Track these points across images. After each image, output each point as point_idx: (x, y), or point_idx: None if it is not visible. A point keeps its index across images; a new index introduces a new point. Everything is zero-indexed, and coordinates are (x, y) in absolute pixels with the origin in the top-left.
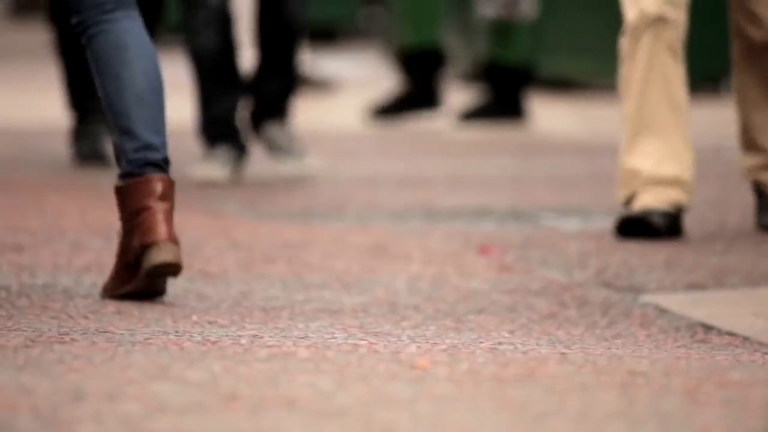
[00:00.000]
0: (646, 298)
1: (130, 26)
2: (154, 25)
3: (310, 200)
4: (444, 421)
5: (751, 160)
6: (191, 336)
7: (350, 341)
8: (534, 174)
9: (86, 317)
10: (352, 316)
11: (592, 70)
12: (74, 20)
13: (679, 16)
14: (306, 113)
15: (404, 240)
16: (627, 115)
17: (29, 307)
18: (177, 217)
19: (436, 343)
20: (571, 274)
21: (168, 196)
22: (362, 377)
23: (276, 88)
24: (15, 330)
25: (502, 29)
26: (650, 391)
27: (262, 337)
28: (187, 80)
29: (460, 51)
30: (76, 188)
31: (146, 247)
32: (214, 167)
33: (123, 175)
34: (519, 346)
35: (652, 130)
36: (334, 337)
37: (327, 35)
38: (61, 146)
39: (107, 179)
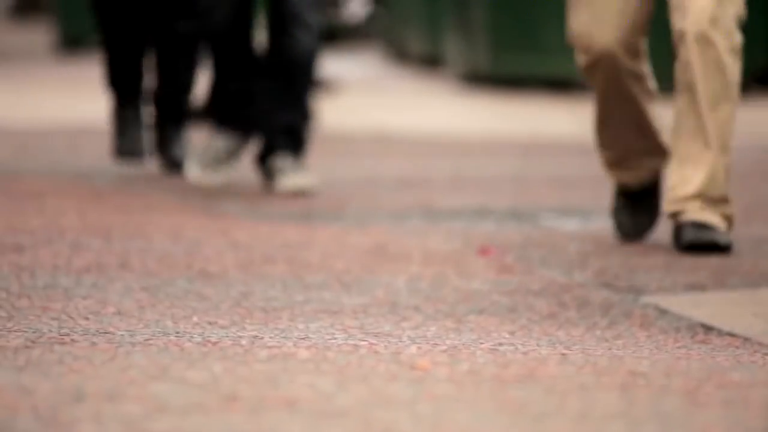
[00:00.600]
0: (647, 298)
1: None
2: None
3: (310, 200)
4: (444, 421)
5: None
6: (191, 337)
7: (350, 342)
8: (534, 174)
9: (86, 318)
10: (353, 316)
11: None
12: None
13: (637, 40)
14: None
15: (404, 240)
16: (598, 143)
17: (29, 308)
18: (177, 217)
19: (436, 344)
20: (572, 274)
21: None
22: (362, 378)
23: (283, 122)
24: (15, 331)
25: (330, 29)
26: (650, 391)
27: (262, 338)
28: None
29: (458, 55)
30: (76, 189)
31: None
32: (208, 172)
33: None
34: (519, 346)
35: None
36: (335, 338)
37: (328, 36)
38: (61, 146)
39: (107, 179)
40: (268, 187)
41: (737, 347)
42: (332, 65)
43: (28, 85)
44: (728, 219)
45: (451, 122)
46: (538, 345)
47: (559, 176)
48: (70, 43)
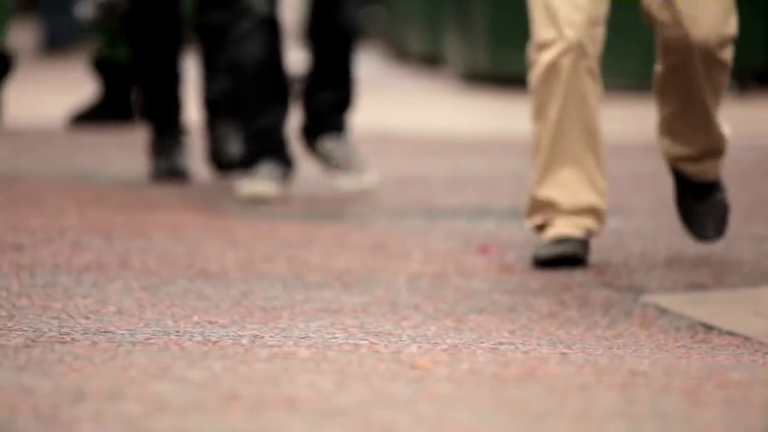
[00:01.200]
0: (647, 298)
1: None
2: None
3: (310, 200)
4: (445, 421)
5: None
6: (192, 336)
7: (351, 341)
8: None
9: (87, 317)
10: (353, 315)
11: None
12: None
13: (598, 35)
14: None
15: (404, 239)
16: (540, 143)
17: (30, 307)
18: (177, 217)
19: (436, 343)
20: (572, 273)
21: None
22: (363, 377)
23: (331, 100)
24: (16, 330)
25: (108, 30)
26: (651, 390)
27: (262, 337)
28: (193, 76)
29: (458, 54)
30: (76, 188)
31: None
32: (262, 183)
33: None
34: (519, 345)
35: (567, 158)
36: (335, 337)
37: None
38: (61, 146)
39: (107, 179)
40: (326, 172)
41: (738, 346)
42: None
43: (28, 85)
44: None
45: (451, 121)
46: (538, 344)
47: None
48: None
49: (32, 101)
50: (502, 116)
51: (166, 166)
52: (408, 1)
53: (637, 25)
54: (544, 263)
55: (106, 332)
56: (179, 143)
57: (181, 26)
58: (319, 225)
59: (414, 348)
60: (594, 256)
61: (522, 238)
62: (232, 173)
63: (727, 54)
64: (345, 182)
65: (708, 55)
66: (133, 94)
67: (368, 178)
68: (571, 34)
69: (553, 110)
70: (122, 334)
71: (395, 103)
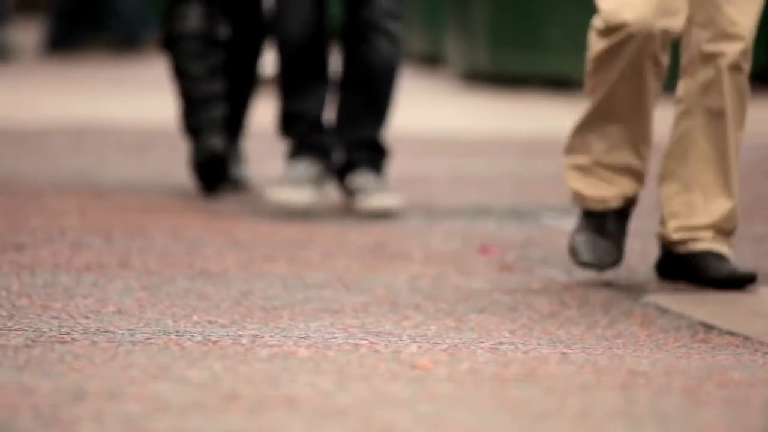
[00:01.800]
0: (647, 297)
1: None
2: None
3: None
4: (444, 420)
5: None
6: (192, 336)
7: (351, 341)
8: (534, 173)
9: (87, 317)
10: (353, 315)
11: None
12: None
13: (670, 25)
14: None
15: (405, 239)
16: (591, 108)
17: (30, 307)
18: (177, 217)
19: (436, 343)
20: (572, 273)
21: None
22: (363, 377)
23: (368, 136)
24: (16, 330)
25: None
26: (651, 390)
27: (262, 337)
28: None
29: (458, 54)
30: (77, 188)
31: None
32: (296, 190)
33: None
34: (520, 345)
35: (616, 117)
36: (335, 337)
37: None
38: (62, 146)
39: (108, 179)
40: (349, 206)
41: (737, 346)
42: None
43: (28, 84)
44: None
45: (451, 121)
46: (538, 344)
47: (560, 175)
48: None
49: (32, 101)
50: (502, 116)
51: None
52: (408, 1)
53: None
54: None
55: (106, 332)
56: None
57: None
58: (319, 225)
59: (414, 348)
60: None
61: (522, 238)
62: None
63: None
64: (367, 202)
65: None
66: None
67: (392, 200)
68: (638, 19)
69: (610, 78)
70: (122, 333)
71: (395, 103)
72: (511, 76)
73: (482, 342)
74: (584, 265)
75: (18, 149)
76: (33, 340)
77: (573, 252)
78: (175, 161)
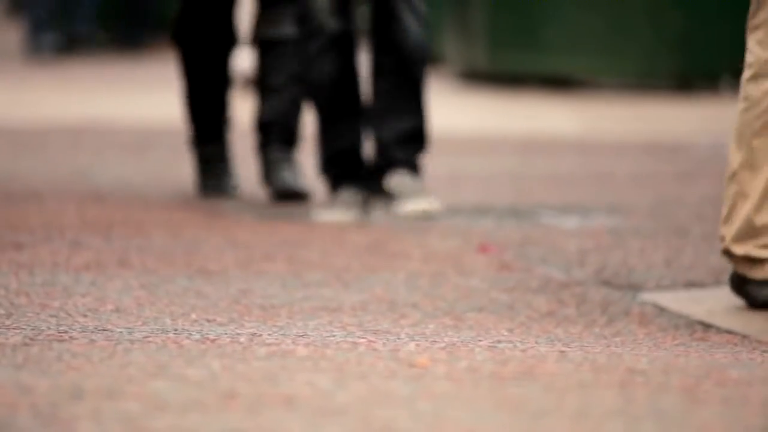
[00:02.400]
0: (645, 296)
1: None
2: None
3: (308, 199)
4: (443, 418)
5: None
6: (190, 334)
7: (349, 339)
8: (533, 172)
9: (85, 315)
10: (351, 314)
11: (591, 68)
12: None
13: None
14: (306, 113)
15: (403, 238)
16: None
17: (28, 305)
18: (176, 215)
19: (435, 341)
20: (570, 272)
21: None
22: (361, 375)
23: (397, 131)
24: (14, 328)
25: None
26: (649, 389)
27: (261, 335)
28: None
29: (456, 53)
30: (76, 187)
31: None
32: (340, 211)
33: None
34: (518, 344)
35: None
36: (333, 335)
37: None
38: (61, 145)
39: (106, 178)
40: (387, 209)
41: (736, 344)
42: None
43: (27, 84)
44: None
45: (449, 120)
46: (536, 342)
47: (558, 174)
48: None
49: (32, 101)
50: (500, 115)
51: (213, 185)
52: None
53: (637, 25)
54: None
55: (104, 330)
56: (224, 154)
57: (235, 37)
58: (318, 224)
59: (412, 346)
60: (592, 254)
61: (521, 237)
62: (287, 199)
63: None
64: (406, 205)
65: None
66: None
67: (430, 203)
68: None
69: None
70: (120, 332)
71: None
72: (510, 76)
73: (480, 340)
74: None
75: (17, 149)
76: (31, 339)
77: None
78: (174, 161)
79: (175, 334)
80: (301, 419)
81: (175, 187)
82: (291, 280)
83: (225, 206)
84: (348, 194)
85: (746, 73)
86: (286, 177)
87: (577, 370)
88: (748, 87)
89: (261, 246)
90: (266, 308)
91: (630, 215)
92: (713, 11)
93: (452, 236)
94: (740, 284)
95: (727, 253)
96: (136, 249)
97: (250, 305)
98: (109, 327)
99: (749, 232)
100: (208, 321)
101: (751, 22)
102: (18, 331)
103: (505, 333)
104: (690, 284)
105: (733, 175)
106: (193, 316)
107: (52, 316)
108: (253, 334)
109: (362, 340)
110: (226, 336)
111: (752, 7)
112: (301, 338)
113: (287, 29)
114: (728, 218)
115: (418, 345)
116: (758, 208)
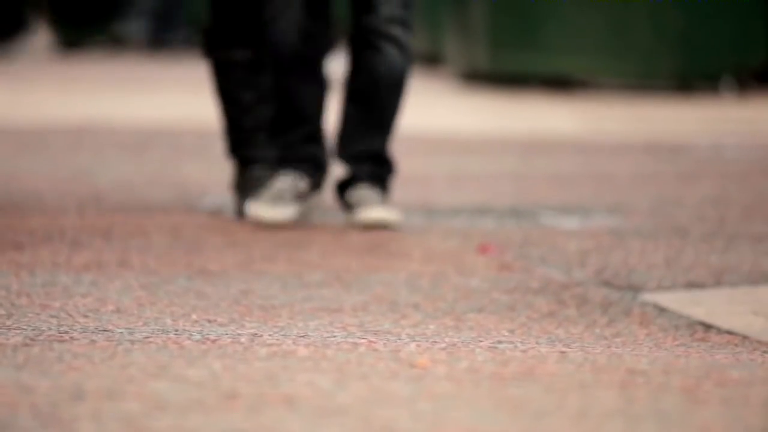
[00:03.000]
0: (646, 296)
1: None
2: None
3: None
4: (443, 419)
5: None
6: (191, 334)
7: (350, 340)
8: (533, 172)
9: (86, 316)
10: (352, 314)
11: (592, 68)
12: None
13: None
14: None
15: (404, 238)
16: None
17: (29, 306)
18: (177, 216)
19: (435, 342)
20: (571, 272)
21: None
22: (362, 376)
23: (373, 149)
24: (15, 328)
25: None
26: (650, 389)
27: (261, 336)
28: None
29: (457, 54)
30: (76, 187)
31: None
32: (275, 207)
33: None
34: (518, 344)
35: None
36: (334, 336)
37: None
38: (61, 145)
39: (107, 178)
40: (348, 219)
41: (736, 345)
42: (330, 64)
43: (28, 84)
44: None
45: (450, 120)
46: (537, 343)
47: (559, 174)
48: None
49: (32, 101)
50: (501, 116)
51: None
52: None
53: (637, 25)
54: None
55: (105, 331)
56: (262, 177)
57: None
58: (319, 224)
59: (413, 347)
60: (593, 255)
61: (521, 237)
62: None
63: None
64: (364, 215)
65: None
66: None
67: (390, 213)
68: None
69: None
70: (121, 332)
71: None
72: (511, 76)
73: (481, 341)
74: None
75: (18, 149)
76: (32, 339)
77: None
78: (174, 161)
79: (175, 334)
80: (301, 419)
81: (176, 188)
82: (291, 281)
83: (225, 206)
84: (290, 180)
85: None
86: None
87: (577, 371)
88: None
89: (261, 246)
90: (267, 309)
91: (630, 215)
92: (713, 11)
93: (453, 236)
94: None
95: None
96: (136, 249)
97: (250, 306)
98: (110, 327)
99: None
100: (209, 321)
101: None
102: (19, 331)
103: (506, 333)
104: (690, 285)
105: None
106: (194, 316)
107: (52, 316)
108: (254, 335)
109: (363, 341)
110: (226, 336)
111: None
112: (301, 339)
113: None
114: None
115: (418, 345)
116: None
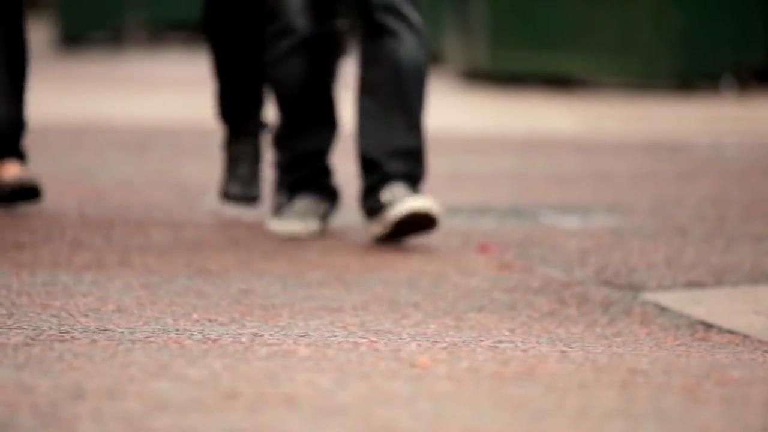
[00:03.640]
0: (646, 296)
1: None
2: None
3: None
4: (444, 418)
5: None
6: (191, 334)
7: (350, 339)
8: (534, 171)
9: (86, 315)
10: (353, 314)
11: (592, 67)
12: None
13: None
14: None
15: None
16: None
17: (29, 305)
18: (177, 215)
19: (436, 341)
20: (571, 271)
21: None
22: (362, 375)
23: (402, 145)
24: (15, 328)
25: None
26: (650, 389)
27: (262, 335)
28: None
29: (458, 52)
30: (76, 186)
31: None
32: (301, 221)
33: None
34: (519, 344)
35: None
36: (335, 335)
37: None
38: (61, 143)
39: (107, 177)
40: (370, 230)
41: (737, 345)
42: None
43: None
44: None
45: (450, 119)
46: (537, 342)
47: (559, 173)
48: (70, 39)
49: (32, 100)
50: (501, 114)
51: (238, 191)
52: None
53: (637, 24)
54: None
55: (105, 330)
56: (256, 154)
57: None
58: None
59: (413, 346)
60: (593, 254)
61: (522, 236)
62: (245, 204)
63: None
64: (402, 206)
65: None
66: None
67: (431, 202)
68: None
69: None
70: (122, 332)
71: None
72: (511, 75)
73: (481, 340)
74: None
75: None
76: (32, 339)
77: None
78: (174, 160)
79: (176, 334)
80: (302, 419)
81: (176, 187)
82: (292, 280)
83: (225, 205)
84: (304, 203)
85: None
86: (249, 187)
87: (578, 370)
88: None
89: (261, 245)
90: (267, 308)
91: (630, 215)
92: (714, 11)
93: (453, 236)
94: None
95: None
96: (136, 249)
97: (251, 305)
98: (111, 327)
99: None
100: (210, 321)
101: None
102: (19, 331)
103: (506, 333)
104: (691, 284)
105: None
106: (195, 316)
107: (53, 316)
108: (255, 334)
109: (363, 340)
110: (227, 336)
111: None
112: (302, 338)
113: None
114: None
115: (419, 345)
116: None
